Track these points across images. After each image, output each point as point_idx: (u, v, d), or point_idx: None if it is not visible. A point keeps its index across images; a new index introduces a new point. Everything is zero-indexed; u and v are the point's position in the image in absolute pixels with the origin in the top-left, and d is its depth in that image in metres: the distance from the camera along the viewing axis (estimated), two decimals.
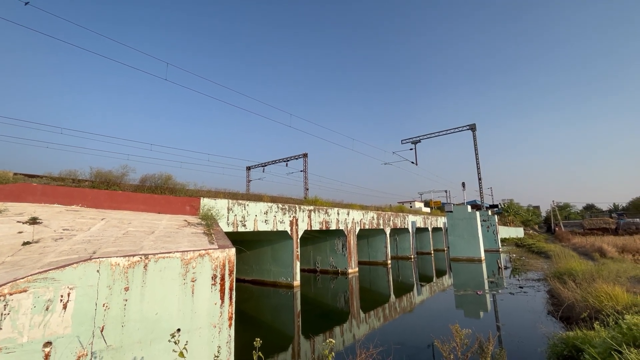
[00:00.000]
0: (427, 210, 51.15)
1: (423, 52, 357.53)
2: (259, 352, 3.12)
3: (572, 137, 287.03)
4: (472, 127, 34.51)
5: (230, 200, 13.08)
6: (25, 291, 3.68)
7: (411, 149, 36.45)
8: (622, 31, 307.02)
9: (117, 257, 4.48)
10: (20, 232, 5.84)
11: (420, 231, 33.52)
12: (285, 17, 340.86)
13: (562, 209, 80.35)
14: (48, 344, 3.73)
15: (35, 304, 3.73)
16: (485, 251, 27.95)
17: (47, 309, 3.78)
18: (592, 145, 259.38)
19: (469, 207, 27.24)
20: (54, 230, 6.19)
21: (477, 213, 26.70)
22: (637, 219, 52.99)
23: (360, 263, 23.80)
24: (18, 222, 6.45)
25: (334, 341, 3.29)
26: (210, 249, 5.55)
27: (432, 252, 32.99)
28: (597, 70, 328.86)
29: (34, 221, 6.53)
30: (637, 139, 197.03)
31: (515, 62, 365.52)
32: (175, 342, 3.15)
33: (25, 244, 5.26)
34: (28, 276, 3.77)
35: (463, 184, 35.74)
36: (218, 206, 12.33)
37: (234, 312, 5.53)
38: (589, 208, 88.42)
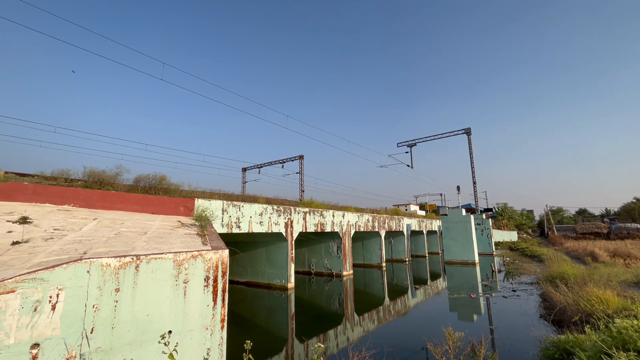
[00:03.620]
0: (422, 213, 51.35)
1: (419, 56, 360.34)
2: (250, 355, 3.10)
3: (566, 142, 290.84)
4: (467, 131, 34.78)
5: (225, 201, 13.01)
6: (13, 291, 3.62)
7: (407, 152, 36.67)
8: (614, 37, 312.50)
9: (108, 257, 4.43)
10: (9, 232, 5.75)
11: (415, 234, 33.61)
12: (283, 19, 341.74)
13: (555, 213, 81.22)
14: (36, 345, 3.67)
15: (23, 304, 3.67)
16: (479, 254, 28.11)
17: (35, 309, 3.73)
18: (585, 150, 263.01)
19: (464, 211, 27.42)
20: (44, 230, 6.10)
21: (472, 216, 26.88)
22: (629, 224, 53.68)
23: (355, 265, 23.82)
24: (8, 221, 6.35)
25: (322, 345, 3.28)
26: (203, 250, 5.52)
27: (427, 255, 33.08)
28: (589, 75, 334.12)
29: (24, 220, 6.43)
30: (629, 143, 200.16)
31: (510, 67, 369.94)
32: (165, 344, 3.11)
33: (14, 243, 5.18)
34: (16, 276, 3.71)
35: (458, 188, 36.00)
36: (212, 207, 12.26)
37: (226, 314, 5.50)
38: (582, 212, 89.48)
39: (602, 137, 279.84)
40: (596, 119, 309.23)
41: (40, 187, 8.71)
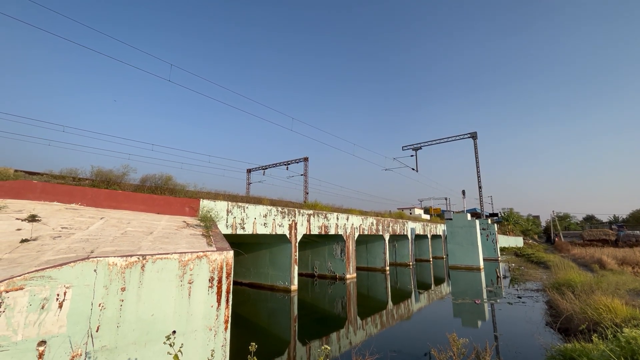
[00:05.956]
0: (427, 217, 51.07)
1: (427, 61, 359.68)
2: (254, 357, 3.10)
3: (574, 148, 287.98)
4: (473, 135, 34.60)
5: (229, 203, 13.07)
6: (21, 289, 3.67)
7: (412, 156, 36.55)
8: (624, 47, 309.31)
9: (114, 256, 4.47)
10: (18, 230, 5.84)
11: (419, 238, 33.41)
12: (290, 23, 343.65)
13: (562, 219, 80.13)
14: (42, 342, 3.71)
15: (31, 302, 3.72)
16: (484, 260, 27.84)
17: (42, 307, 3.77)
18: (593, 156, 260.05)
19: (469, 215, 27.20)
20: (52, 228, 6.18)
21: (477, 221, 26.65)
22: (637, 231, 52.73)
23: (358, 269, 23.71)
24: (17, 219, 6.45)
25: (329, 348, 3.27)
26: (208, 251, 5.54)
27: (431, 259, 32.85)
28: (598, 82, 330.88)
29: (33, 219, 6.53)
30: (639, 149, 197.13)
31: (518, 73, 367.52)
32: (170, 345, 3.13)
33: (23, 241, 5.25)
34: (25, 274, 3.76)
35: (463, 192, 35.73)
36: (217, 208, 12.32)
37: (230, 315, 5.51)
38: (589, 219, 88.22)
39: (610, 143, 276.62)
40: (604, 125, 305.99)
41: (48, 186, 8.84)
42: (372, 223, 23.16)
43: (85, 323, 4.05)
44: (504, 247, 45.68)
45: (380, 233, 24.12)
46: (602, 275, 15.28)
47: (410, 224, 29.43)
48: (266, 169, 38.97)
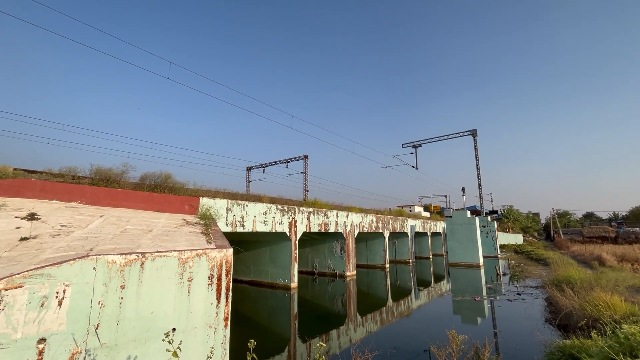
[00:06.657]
0: (427, 214, 51.09)
1: (427, 58, 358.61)
2: (253, 354, 3.11)
3: (573, 145, 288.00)
4: (473, 133, 34.56)
5: (229, 201, 13.06)
6: (20, 287, 3.67)
7: (412, 153, 36.53)
8: (624, 43, 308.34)
9: (114, 254, 4.47)
10: (18, 228, 5.83)
11: (419, 235, 33.44)
12: (291, 21, 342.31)
13: (561, 216, 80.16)
14: (42, 340, 3.72)
15: (31, 299, 3.72)
16: (484, 257, 27.89)
17: (42, 305, 3.77)
18: (593, 153, 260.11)
19: (469, 213, 27.21)
20: (51, 227, 6.18)
21: (477, 219, 26.67)
22: (637, 228, 52.77)
23: (358, 266, 23.76)
24: (16, 217, 6.44)
25: (324, 345, 3.28)
26: (208, 248, 5.54)
27: (431, 256, 32.90)
28: (598, 78, 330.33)
29: (32, 217, 6.52)
30: (638, 146, 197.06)
31: (518, 71, 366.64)
32: (169, 342, 3.13)
33: (22, 239, 5.25)
34: (24, 272, 3.76)
35: (463, 190, 35.72)
36: (217, 206, 12.32)
37: (230, 312, 5.52)
38: (589, 216, 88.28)
39: (610, 139, 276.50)
40: (604, 122, 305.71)
41: (48, 184, 8.82)
42: (371, 221, 23.17)
43: (85, 321, 4.05)
44: (504, 245, 45.75)
45: (380, 231, 24.13)
46: (601, 272, 15.30)
47: (410, 222, 29.45)
48: (266, 167, 38.95)
